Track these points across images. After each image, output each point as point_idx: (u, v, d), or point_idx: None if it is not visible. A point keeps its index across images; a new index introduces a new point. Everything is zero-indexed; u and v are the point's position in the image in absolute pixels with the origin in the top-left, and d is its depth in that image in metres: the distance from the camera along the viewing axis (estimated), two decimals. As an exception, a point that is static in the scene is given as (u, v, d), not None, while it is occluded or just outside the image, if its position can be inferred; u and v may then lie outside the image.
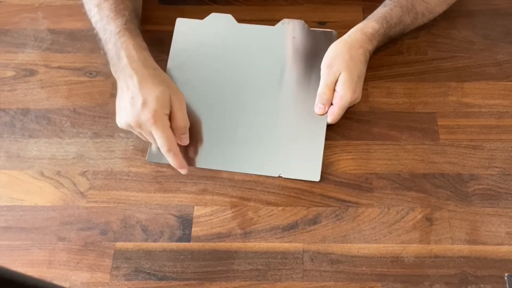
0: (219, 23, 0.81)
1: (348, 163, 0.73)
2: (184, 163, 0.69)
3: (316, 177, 0.72)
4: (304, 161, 0.73)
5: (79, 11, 0.87)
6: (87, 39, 0.85)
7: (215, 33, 0.81)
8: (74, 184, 0.73)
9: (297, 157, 0.73)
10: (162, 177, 0.73)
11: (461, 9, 0.85)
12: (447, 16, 0.84)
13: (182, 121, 0.70)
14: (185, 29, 0.82)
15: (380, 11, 0.78)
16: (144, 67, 0.70)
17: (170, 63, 0.79)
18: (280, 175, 0.72)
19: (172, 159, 0.69)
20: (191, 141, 0.73)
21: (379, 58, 0.81)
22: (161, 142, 0.67)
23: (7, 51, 0.84)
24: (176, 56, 0.80)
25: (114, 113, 0.78)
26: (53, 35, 0.86)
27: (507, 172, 0.72)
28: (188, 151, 0.74)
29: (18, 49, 0.85)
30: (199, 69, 0.79)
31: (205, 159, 0.74)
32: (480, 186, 0.71)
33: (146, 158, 0.74)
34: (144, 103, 0.67)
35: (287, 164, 0.73)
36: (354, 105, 0.77)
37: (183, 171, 0.70)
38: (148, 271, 0.67)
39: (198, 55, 0.80)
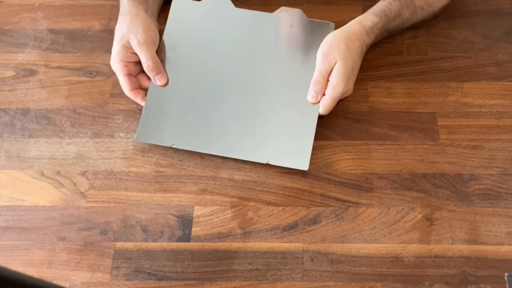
0: (217, 5, 0.81)
1: (348, 163, 0.73)
2: (142, 103, 0.76)
3: (305, 166, 0.72)
4: (293, 150, 0.73)
5: (79, 11, 0.88)
6: (87, 39, 0.85)
7: (211, 15, 0.80)
8: (74, 184, 0.73)
9: (287, 145, 0.73)
10: (162, 177, 0.73)
11: (461, 9, 0.85)
12: (447, 16, 0.84)
13: (144, 62, 0.75)
14: (181, 9, 0.81)
15: (379, 5, 0.78)
16: (122, 13, 0.77)
17: (164, 42, 0.79)
18: (269, 162, 0.72)
19: (133, 99, 0.77)
20: (181, 122, 0.75)
21: (379, 58, 0.81)
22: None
23: (7, 51, 0.84)
24: (170, 36, 0.79)
25: (114, 113, 0.78)
26: (53, 35, 0.86)
27: (507, 172, 0.72)
28: (179, 132, 0.74)
29: (18, 49, 0.85)
30: (193, 50, 0.79)
31: (194, 142, 0.74)
32: (480, 186, 0.71)
33: (135, 137, 0.75)
34: (111, 52, 0.76)
35: (276, 152, 0.73)
36: (354, 105, 0.77)
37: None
38: (148, 271, 0.67)
39: (192, 36, 0.80)
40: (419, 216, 0.69)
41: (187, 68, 0.78)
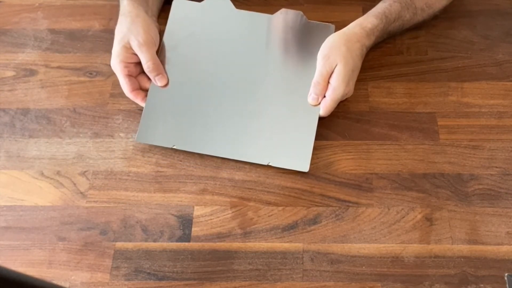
0: (217, 6, 0.81)
1: (348, 163, 0.73)
2: (142, 104, 0.76)
3: (305, 168, 0.72)
4: (294, 151, 0.73)
5: (79, 11, 0.88)
6: (87, 39, 0.85)
7: (211, 17, 0.80)
8: (74, 184, 0.73)
9: (287, 146, 0.73)
10: (162, 177, 0.73)
11: (461, 9, 0.85)
12: (447, 16, 0.84)
13: (144, 63, 0.75)
14: (181, 10, 0.81)
15: (379, 6, 0.78)
16: (122, 14, 0.77)
17: (164, 43, 0.79)
18: (269, 163, 0.72)
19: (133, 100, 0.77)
20: (182, 123, 0.75)
21: (379, 58, 0.81)
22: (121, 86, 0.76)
23: (7, 51, 0.84)
24: (170, 36, 0.79)
25: (114, 113, 0.78)
26: (53, 35, 0.86)
27: (507, 172, 0.72)
28: (180, 133, 0.74)
29: (18, 49, 0.85)
30: (193, 51, 0.79)
31: (195, 143, 0.74)
32: (480, 186, 0.71)
33: (135, 138, 0.75)
34: (112, 53, 0.76)
35: (277, 153, 0.73)
36: (354, 105, 0.77)
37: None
38: (148, 271, 0.67)
39: (193, 37, 0.80)
40: (419, 216, 0.69)
41: (188, 69, 0.78)
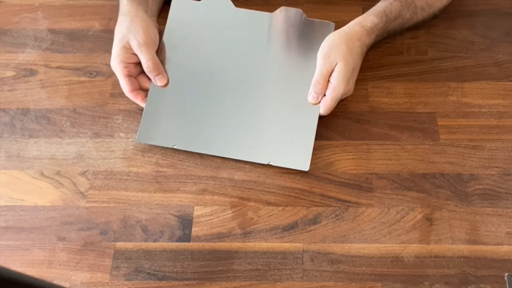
0: (216, 5, 0.81)
1: (348, 163, 0.73)
2: (143, 104, 0.76)
3: (305, 167, 0.72)
4: (294, 150, 0.73)
5: (79, 11, 0.88)
6: (87, 39, 0.85)
7: (211, 15, 0.80)
8: (74, 184, 0.73)
9: (287, 145, 0.73)
10: (162, 177, 0.73)
11: (461, 9, 0.85)
12: (447, 16, 0.84)
13: (144, 63, 0.75)
14: (181, 9, 0.81)
15: (380, 5, 0.78)
16: (121, 13, 0.78)
17: (164, 43, 0.79)
18: (270, 163, 0.72)
19: (133, 100, 0.77)
20: (182, 123, 0.75)
21: (379, 58, 0.81)
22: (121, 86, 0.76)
23: (7, 51, 0.84)
24: (170, 36, 0.79)
25: (114, 113, 0.78)
26: (53, 35, 0.86)
27: (507, 172, 0.72)
28: (180, 133, 0.75)
29: (18, 49, 0.85)
30: (193, 50, 0.79)
31: (195, 142, 0.74)
32: (480, 186, 0.71)
33: (136, 139, 0.75)
34: (111, 53, 0.76)
35: (277, 152, 0.73)
36: (354, 105, 0.77)
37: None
38: (148, 271, 0.67)
39: (192, 37, 0.80)
40: (419, 216, 0.69)
41: (188, 69, 0.78)
